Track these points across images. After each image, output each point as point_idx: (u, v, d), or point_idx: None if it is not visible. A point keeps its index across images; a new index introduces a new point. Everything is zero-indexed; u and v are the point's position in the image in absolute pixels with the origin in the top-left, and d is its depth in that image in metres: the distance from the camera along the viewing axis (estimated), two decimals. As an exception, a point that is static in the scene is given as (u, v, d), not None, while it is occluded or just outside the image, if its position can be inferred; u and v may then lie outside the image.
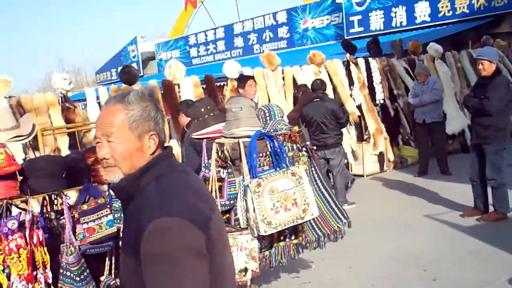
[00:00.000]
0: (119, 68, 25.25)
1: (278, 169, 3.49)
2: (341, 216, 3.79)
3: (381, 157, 9.01)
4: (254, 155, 3.47)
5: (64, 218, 3.41)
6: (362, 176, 8.85)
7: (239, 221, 3.48)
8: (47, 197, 3.31)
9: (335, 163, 6.94)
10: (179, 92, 7.54)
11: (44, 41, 58.41)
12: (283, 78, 8.33)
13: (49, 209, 3.41)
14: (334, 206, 3.80)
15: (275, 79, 8.18)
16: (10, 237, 2.95)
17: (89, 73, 36.63)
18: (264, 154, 3.56)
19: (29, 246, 2.99)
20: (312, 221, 3.68)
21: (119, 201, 3.32)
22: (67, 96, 6.87)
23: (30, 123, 3.30)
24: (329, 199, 3.80)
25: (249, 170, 3.48)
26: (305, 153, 3.76)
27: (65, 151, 6.21)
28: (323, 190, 3.79)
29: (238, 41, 20.28)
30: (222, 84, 8.50)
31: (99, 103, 7.32)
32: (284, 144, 3.68)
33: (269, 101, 7.78)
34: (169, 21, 55.82)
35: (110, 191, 3.52)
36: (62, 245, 3.24)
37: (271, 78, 8.14)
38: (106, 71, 27.31)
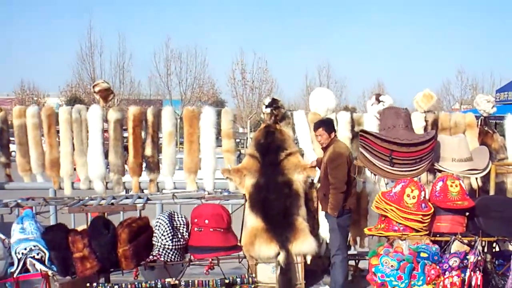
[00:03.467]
0: (519, 90, 23.19)
1: None
2: None
3: None
4: None
5: (496, 263, 3.15)
6: None
7: None
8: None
9: None
10: None
11: (444, 51, 58.87)
12: None
13: (486, 249, 3.19)
14: None
15: None
16: (447, 274, 2.88)
17: (485, 89, 34.68)
18: None
19: (465, 287, 2.85)
20: None
21: None
22: (487, 120, 6.51)
23: (486, 157, 3.11)
24: None
25: None
26: None
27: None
28: None
29: None
30: None
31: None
32: None
33: None
34: None
35: None
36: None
37: None
38: (507, 90, 25.38)
